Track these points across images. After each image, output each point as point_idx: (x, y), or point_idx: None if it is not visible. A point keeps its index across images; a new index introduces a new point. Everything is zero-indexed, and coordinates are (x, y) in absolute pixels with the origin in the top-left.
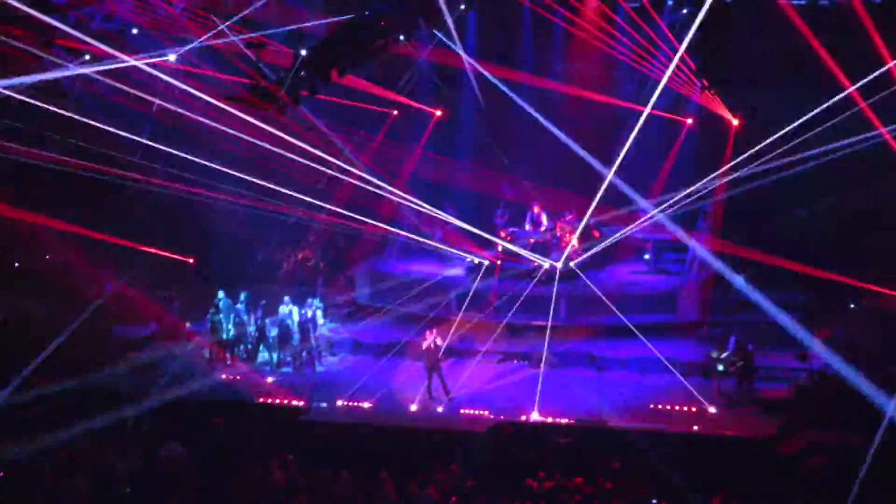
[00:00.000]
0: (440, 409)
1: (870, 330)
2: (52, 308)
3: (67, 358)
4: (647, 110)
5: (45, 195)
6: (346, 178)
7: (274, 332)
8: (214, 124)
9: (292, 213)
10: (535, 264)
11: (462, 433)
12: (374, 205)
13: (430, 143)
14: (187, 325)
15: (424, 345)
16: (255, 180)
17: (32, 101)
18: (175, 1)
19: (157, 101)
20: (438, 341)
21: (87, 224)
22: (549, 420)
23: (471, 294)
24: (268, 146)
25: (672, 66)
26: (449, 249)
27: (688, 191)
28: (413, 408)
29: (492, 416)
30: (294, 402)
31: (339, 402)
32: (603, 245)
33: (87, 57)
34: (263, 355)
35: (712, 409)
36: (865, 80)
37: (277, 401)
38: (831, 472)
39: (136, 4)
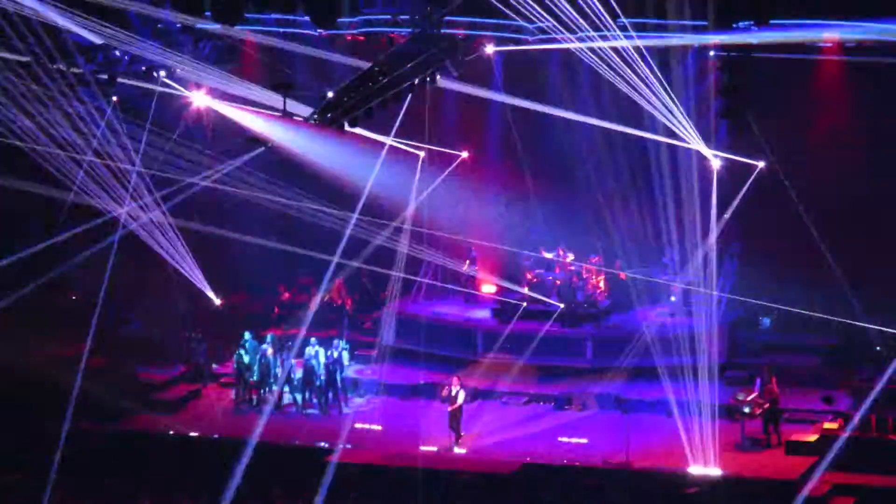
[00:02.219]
0: (465, 451)
1: None
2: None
3: (92, 399)
4: None
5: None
6: None
7: (299, 373)
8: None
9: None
10: (562, 306)
11: (489, 475)
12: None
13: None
14: (214, 366)
15: (444, 391)
16: None
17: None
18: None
19: None
20: (461, 397)
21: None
22: (577, 462)
23: (497, 336)
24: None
25: None
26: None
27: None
28: (434, 448)
29: (518, 458)
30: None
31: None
32: None
33: (116, 98)
34: (289, 397)
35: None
36: None
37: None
38: None
39: (163, 46)
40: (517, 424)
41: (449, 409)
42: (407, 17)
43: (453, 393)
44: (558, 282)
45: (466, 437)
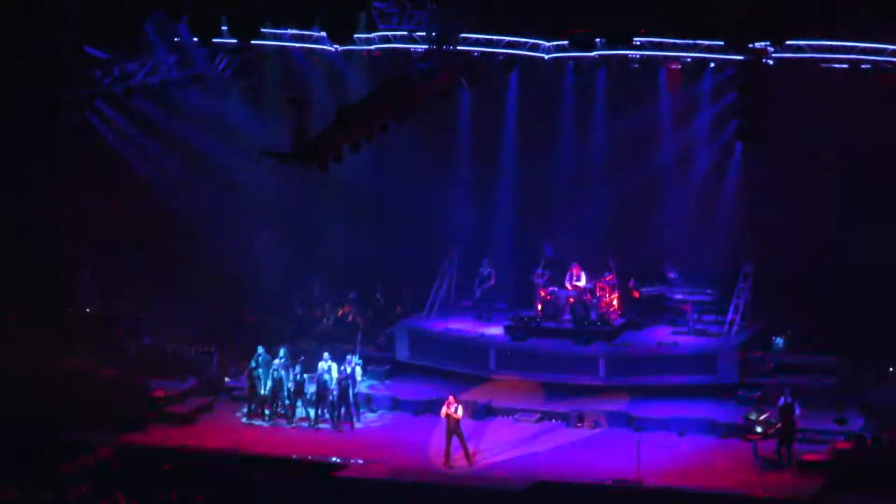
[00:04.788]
0: (476, 468)
1: None
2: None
3: (106, 412)
4: None
5: None
6: None
7: (312, 388)
8: None
9: None
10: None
11: (501, 492)
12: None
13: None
14: (226, 379)
15: (443, 412)
16: None
17: None
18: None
19: None
20: (459, 411)
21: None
22: (587, 480)
23: (509, 352)
24: None
25: None
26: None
27: None
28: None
29: (530, 476)
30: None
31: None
32: None
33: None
34: (301, 412)
35: None
36: None
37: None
38: None
39: (178, 60)
40: (529, 441)
41: (451, 426)
42: (423, 33)
43: (453, 410)
44: (571, 299)
45: (474, 452)
